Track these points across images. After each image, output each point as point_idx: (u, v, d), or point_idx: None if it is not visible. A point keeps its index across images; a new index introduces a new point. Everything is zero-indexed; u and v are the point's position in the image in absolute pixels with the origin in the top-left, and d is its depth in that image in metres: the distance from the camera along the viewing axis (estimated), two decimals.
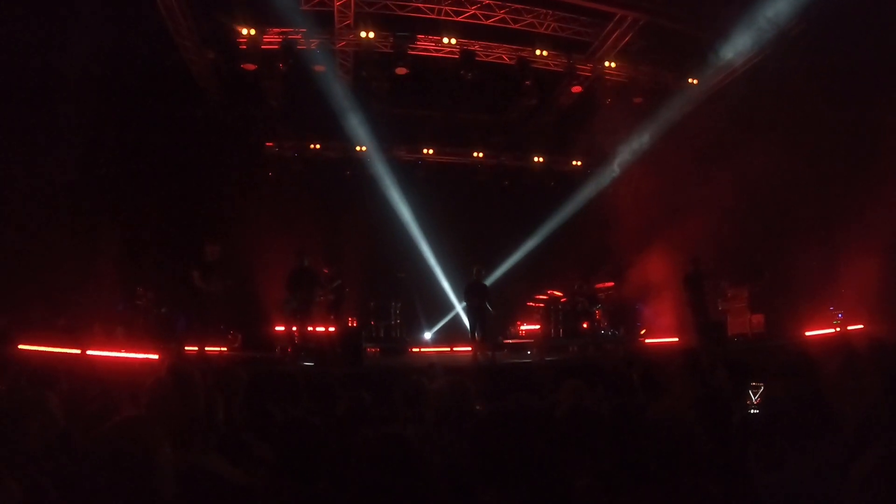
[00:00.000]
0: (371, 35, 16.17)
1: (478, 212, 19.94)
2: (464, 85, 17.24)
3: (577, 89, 19.12)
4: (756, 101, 15.33)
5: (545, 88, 18.40)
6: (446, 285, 19.39)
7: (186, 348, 12.19)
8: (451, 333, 18.97)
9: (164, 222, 14.84)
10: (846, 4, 13.54)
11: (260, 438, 4.45)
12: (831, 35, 14.72)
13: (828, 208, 15.91)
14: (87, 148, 13.03)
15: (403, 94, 17.88)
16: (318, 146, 18.94)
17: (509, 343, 17.98)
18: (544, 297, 18.97)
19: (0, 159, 12.06)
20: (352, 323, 17.01)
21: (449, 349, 17.66)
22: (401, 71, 17.05)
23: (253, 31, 15.50)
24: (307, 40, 16.51)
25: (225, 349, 14.16)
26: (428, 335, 19.49)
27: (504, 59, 18.35)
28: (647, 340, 16.74)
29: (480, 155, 20.39)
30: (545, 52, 17.50)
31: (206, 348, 12.50)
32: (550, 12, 16.77)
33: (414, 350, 17.74)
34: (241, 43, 15.81)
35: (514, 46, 17.90)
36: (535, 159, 20.71)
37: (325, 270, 15.77)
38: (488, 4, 16.42)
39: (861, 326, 13.59)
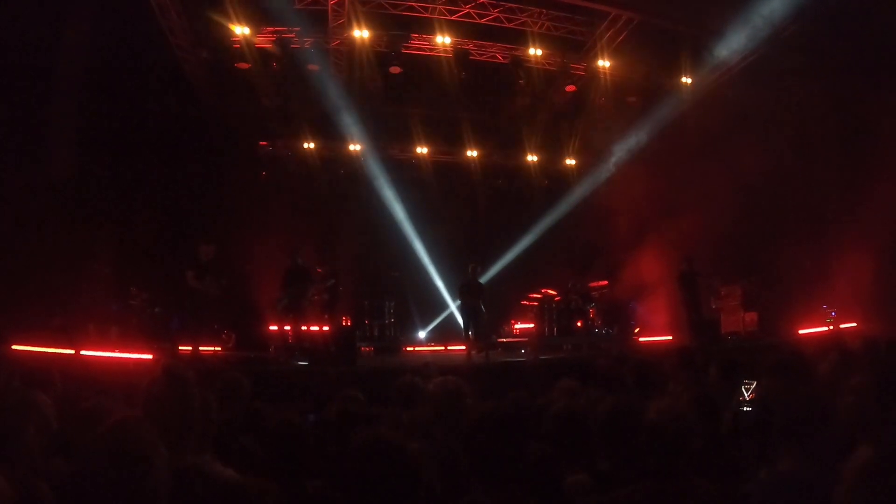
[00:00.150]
0: (365, 34, 16.16)
1: (472, 211, 19.95)
2: (457, 84, 17.25)
3: (570, 88, 19.14)
4: (749, 100, 15.35)
5: (539, 87, 18.42)
6: (440, 284, 19.37)
7: (181, 348, 12.15)
8: (446, 332, 18.96)
9: (158, 222, 14.79)
10: (840, 3, 13.60)
11: (254, 438, 4.45)
12: (825, 34, 14.76)
13: (821, 207, 15.96)
14: (80, 147, 13.00)
15: (397, 92, 17.89)
16: (312, 145, 18.90)
17: (503, 342, 17.98)
18: (538, 296, 18.97)
19: None
20: (346, 322, 16.98)
21: (443, 348, 17.65)
22: (395, 70, 17.06)
23: (247, 30, 15.48)
24: (301, 39, 16.50)
25: (219, 349, 14.12)
26: (422, 334, 19.49)
27: (498, 58, 18.38)
28: (640, 339, 16.75)
29: (474, 154, 20.38)
30: (539, 52, 17.52)
31: (201, 348, 12.48)
32: (544, 11, 16.79)
33: (408, 349, 17.72)
34: (234, 42, 15.80)
35: (508, 45, 17.92)
36: (529, 158, 20.71)
37: (319, 269, 15.75)
38: (482, 3, 16.43)
39: (854, 324, 13.63)
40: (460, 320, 16.75)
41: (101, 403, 4.46)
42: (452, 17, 16.45)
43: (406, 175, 19.83)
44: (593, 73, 18.46)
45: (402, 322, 18.96)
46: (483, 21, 16.80)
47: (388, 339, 17.92)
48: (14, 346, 9.96)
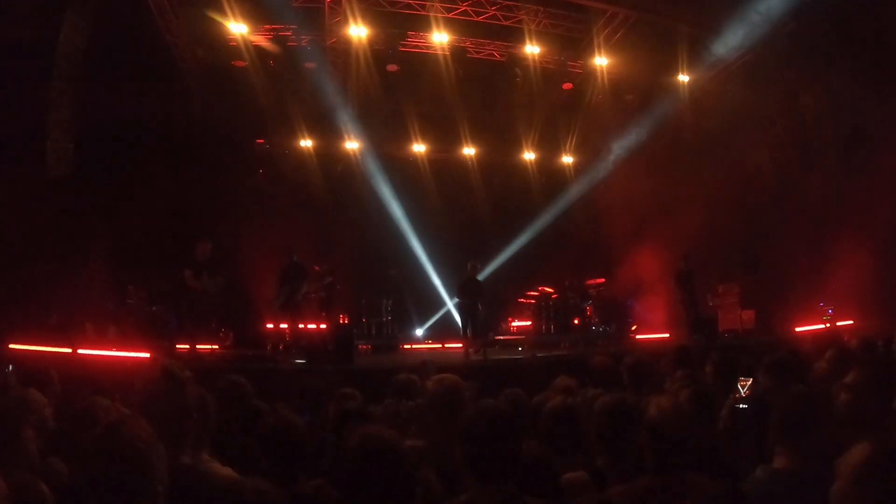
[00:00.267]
0: (362, 32, 16.15)
1: (469, 208, 19.93)
2: (455, 81, 17.24)
3: (567, 86, 19.15)
4: (747, 98, 15.36)
5: (536, 85, 18.40)
6: (437, 282, 19.37)
7: (178, 346, 12.15)
8: (443, 330, 18.95)
9: (156, 220, 14.77)
10: (837, 0, 13.63)
11: (252, 437, 4.45)
12: (823, 31, 14.78)
13: (818, 205, 15.99)
14: (77, 145, 12.98)
15: (394, 90, 17.87)
16: (309, 143, 18.88)
17: (500, 339, 17.99)
18: (535, 294, 19.00)
19: None
20: (343, 320, 16.99)
21: (440, 346, 17.65)
22: (391, 68, 17.06)
23: (244, 28, 15.46)
24: (298, 37, 16.49)
25: (216, 347, 14.11)
26: (419, 332, 19.48)
27: (495, 56, 18.38)
28: (638, 336, 16.77)
29: (472, 151, 20.37)
30: (536, 49, 17.51)
31: (198, 346, 12.48)
32: (541, 9, 16.79)
33: (406, 347, 17.73)
34: (231, 40, 15.78)
35: (506, 43, 17.91)
36: (527, 156, 20.71)
37: (317, 268, 15.75)
38: (479, 1, 16.43)
39: (851, 322, 13.66)
40: (458, 318, 16.74)
41: (98, 402, 4.46)
42: (449, 15, 16.44)
43: (403, 173, 19.80)
44: (590, 71, 18.47)
45: (400, 320, 18.96)
46: (480, 19, 16.80)
47: (386, 337, 17.91)
48: (11, 345, 9.95)
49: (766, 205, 16.17)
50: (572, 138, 20.38)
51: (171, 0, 14.69)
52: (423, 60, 17.59)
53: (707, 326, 14.60)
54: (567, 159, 21.03)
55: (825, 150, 15.81)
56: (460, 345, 15.17)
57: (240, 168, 17.86)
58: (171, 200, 14.77)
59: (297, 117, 17.99)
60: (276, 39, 16.21)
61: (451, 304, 18.93)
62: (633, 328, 17.61)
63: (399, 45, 16.98)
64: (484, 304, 14.95)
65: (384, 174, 18.98)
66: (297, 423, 3.58)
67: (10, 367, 6.58)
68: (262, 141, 19.15)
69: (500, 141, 20.34)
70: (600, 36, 17.17)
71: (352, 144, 19.20)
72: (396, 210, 19.03)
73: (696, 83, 17.86)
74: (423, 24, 16.73)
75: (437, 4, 16.17)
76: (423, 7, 16.23)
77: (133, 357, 10.74)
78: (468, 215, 19.75)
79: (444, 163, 20.35)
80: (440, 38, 16.75)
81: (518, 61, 18.00)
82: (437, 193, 19.80)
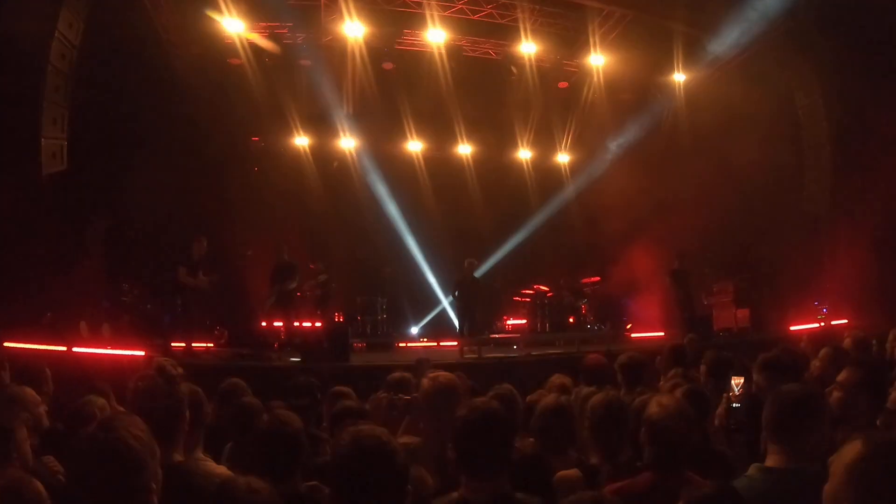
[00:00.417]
0: (358, 30, 16.14)
1: (464, 206, 19.92)
2: (450, 80, 17.23)
3: (563, 84, 19.16)
4: (743, 97, 15.37)
5: (532, 83, 18.40)
6: (433, 280, 19.37)
7: (173, 344, 12.14)
8: (438, 328, 18.97)
9: (150, 218, 14.75)
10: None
11: (245, 435, 4.45)
12: (820, 29, 14.81)
13: (813, 203, 16.02)
14: (71, 143, 12.92)
15: (390, 88, 17.86)
16: (304, 141, 18.85)
17: (496, 337, 18.00)
18: (531, 292, 19.01)
19: None
20: (338, 318, 17.00)
21: (436, 344, 17.66)
22: (387, 66, 17.05)
23: (239, 26, 15.43)
24: (293, 35, 16.46)
25: (211, 345, 14.11)
26: (414, 330, 19.48)
27: (491, 55, 18.38)
28: (632, 335, 16.80)
29: (467, 149, 20.36)
30: (532, 48, 17.50)
31: (193, 344, 12.48)
32: (537, 7, 16.76)
33: (401, 345, 17.73)
34: (226, 37, 15.75)
35: (501, 41, 17.91)
36: (522, 154, 20.70)
37: (312, 266, 15.76)
38: None
39: (845, 321, 13.69)
40: (453, 316, 16.76)
41: (94, 400, 4.46)
42: (445, 13, 16.42)
43: (398, 171, 19.78)
44: (586, 70, 18.48)
45: (395, 318, 18.97)
46: (476, 17, 16.79)
47: (381, 336, 17.92)
48: (5, 344, 9.92)
49: (761, 203, 16.20)
50: (568, 137, 20.37)
51: None
52: (419, 59, 17.58)
53: (702, 325, 14.63)
54: (562, 158, 21.02)
55: (820, 149, 15.84)
56: (455, 343, 15.17)
57: (235, 165, 17.83)
58: (165, 198, 14.73)
59: (293, 115, 17.97)
60: (272, 37, 16.18)
61: (446, 303, 18.94)
62: (628, 326, 17.65)
63: (395, 44, 16.97)
64: (481, 302, 14.95)
65: (379, 172, 18.96)
66: (294, 421, 3.58)
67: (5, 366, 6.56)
68: (257, 139, 19.12)
69: (496, 139, 20.33)
70: (596, 35, 17.14)
71: (347, 142, 19.18)
72: (392, 208, 19.01)
73: (692, 82, 17.88)
74: (418, 23, 16.71)
75: (433, 2, 16.14)
76: (418, 5, 16.21)
77: (128, 355, 10.73)
78: (463, 213, 19.74)
79: (439, 161, 20.34)
80: (436, 36, 16.73)
81: (514, 60, 18.00)
82: (432, 191, 19.77)
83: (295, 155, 18.95)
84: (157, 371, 4.85)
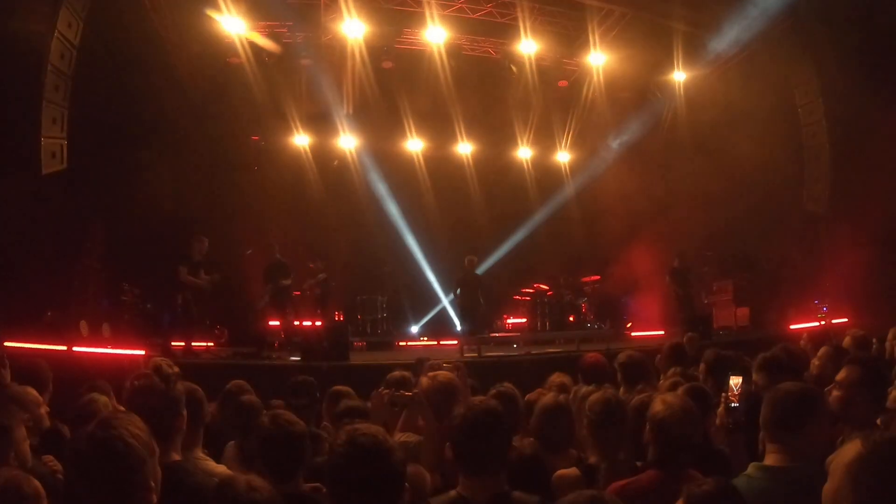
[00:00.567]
0: (358, 29, 16.13)
1: (464, 205, 19.92)
2: (450, 79, 17.23)
3: (563, 83, 19.16)
4: (743, 95, 15.38)
5: (531, 82, 18.39)
6: (433, 279, 19.37)
7: (173, 344, 12.14)
8: (438, 327, 18.97)
9: (150, 217, 14.74)
10: None
11: (244, 435, 4.45)
12: (819, 28, 14.80)
13: (813, 202, 16.01)
14: (71, 142, 12.91)
15: (390, 87, 17.86)
16: (304, 140, 18.84)
17: (495, 336, 18.00)
18: (531, 291, 19.02)
19: None
20: (338, 317, 17.00)
21: (436, 343, 17.66)
22: (387, 65, 17.05)
23: (239, 25, 15.42)
24: (293, 34, 16.45)
25: (211, 344, 14.12)
26: (414, 329, 19.48)
27: (491, 54, 18.37)
28: (632, 333, 16.81)
29: (467, 148, 20.35)
30: (532, 47, 17.50)
31: (193, 344, 12.49)
32: (537, 6, 16.77)
33: (401, 344, 17.73)
34: (226, 36, 15.74)
35: (501, 40, 17.91)
36: (522, 152, 20.69)
37: (312, 265, 15.76)
38: None
39: (845, 320, 13.69)
40: (454, 315, 16.75)
41: (95, 400, 4.46)
42: (445, 12, 16.41)
43: (398, 170, 19.77)
44: (586, 69, 18.47)
45: (395, 317, 18.96)
46: (476, 16, 16.80)
47: (381, 334, 17.91)
48: (5, 343, 9.92)
49: (761, 202, 16.18)
50: (568, 136, 20.36)
51: None
52: (419, 57, 17.58)
53: (701, 324, 14.64)
54: (562, 157, 21.02)
55: (820, 149, 15.83)
56: (455, 342, 15.17)
57: (235, 165, 17.83)
58: (165, 197, 14.74)
59: (293, 114, 17.97)
60: (272, 36, 16.17)
61: (446, 301, 18.93)
62: (628, 325, 17.66)
63: (395, 42, 16.97)
64: (484, 297, 14.94)
65: (379, 171, 18.95)
66: (295, 421, 3.58)
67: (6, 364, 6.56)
68: (256, 138, 19.12)
69: (496, 138, 20.32)
70: (596, 33, 17.13)
71: (347, 141, 19.16)
72: (392, 207, 19.01)
73: (692, 81, 17.88)
74: (418, 22, 16.71)
75: (433, 1, 16.13)
76: (418, 4, 16.21)
77: (128, 355, 10.73)
78: (463, 212, 19.74)
79: (439, 160, 20.33)
80: (436, 35, 16.72)
81: (514, 59, 17.99)
82: (432, 190, 19.77)
83: (295, 154, 18.94)
84: (153, 370, 4.84)
